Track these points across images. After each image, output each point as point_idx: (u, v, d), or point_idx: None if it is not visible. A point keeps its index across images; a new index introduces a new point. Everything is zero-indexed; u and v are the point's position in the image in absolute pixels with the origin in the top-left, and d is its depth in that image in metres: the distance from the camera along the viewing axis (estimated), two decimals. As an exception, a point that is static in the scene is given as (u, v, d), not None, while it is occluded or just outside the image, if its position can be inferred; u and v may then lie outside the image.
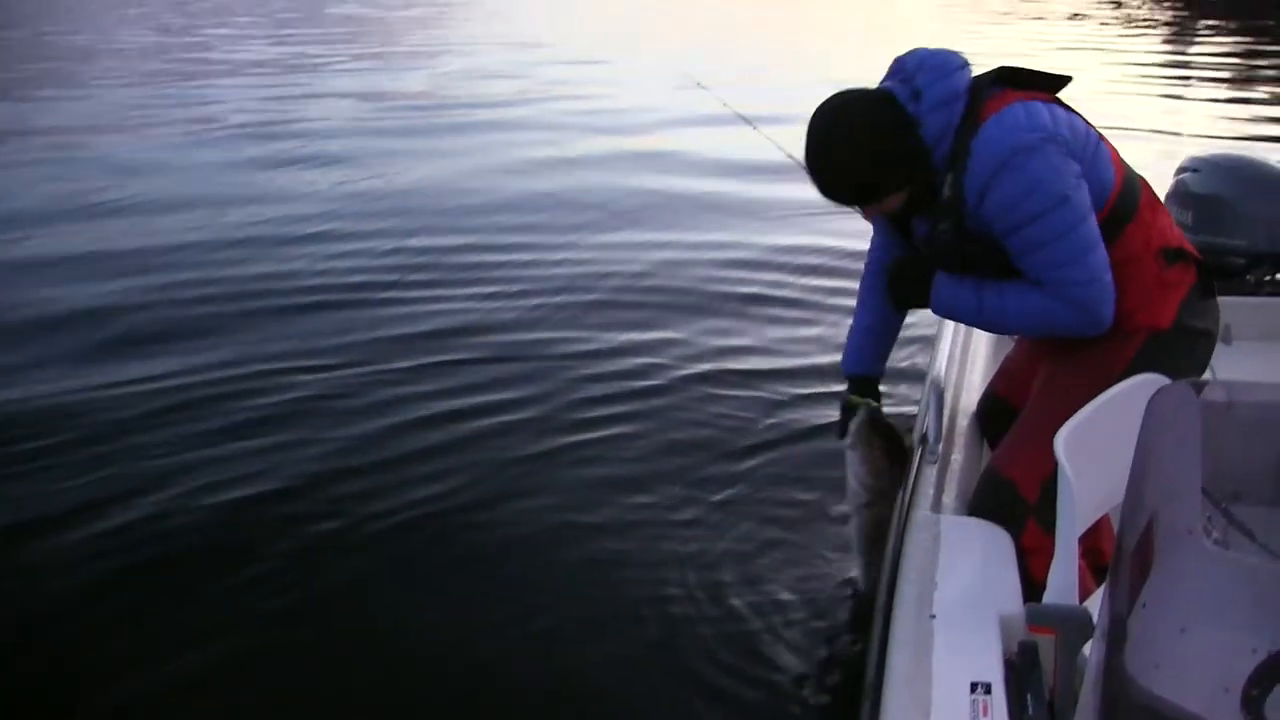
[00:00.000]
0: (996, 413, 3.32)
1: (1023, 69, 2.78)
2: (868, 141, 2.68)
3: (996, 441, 3.22)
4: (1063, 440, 2.20)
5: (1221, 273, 4.90)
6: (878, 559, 3.04)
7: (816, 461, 4.89)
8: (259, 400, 5.69)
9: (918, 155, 2.70)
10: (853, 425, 3.16)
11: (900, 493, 3.03)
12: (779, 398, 5.63)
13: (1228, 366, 4.17)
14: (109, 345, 6.39)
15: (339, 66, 18.42)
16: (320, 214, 9.21)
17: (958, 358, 3.79)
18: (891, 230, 3.10)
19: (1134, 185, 2.90)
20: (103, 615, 3.96)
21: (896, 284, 3.02)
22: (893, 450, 3.16)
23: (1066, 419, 2.34)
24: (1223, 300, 4.37)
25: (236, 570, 4.21)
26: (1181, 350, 2.92)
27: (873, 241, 3.29)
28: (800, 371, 5.96)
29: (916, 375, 5.25)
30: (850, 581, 3.89)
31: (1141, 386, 2.39)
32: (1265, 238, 4.85)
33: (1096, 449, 2.26)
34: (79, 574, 4.17)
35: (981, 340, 4.07)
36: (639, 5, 37.49)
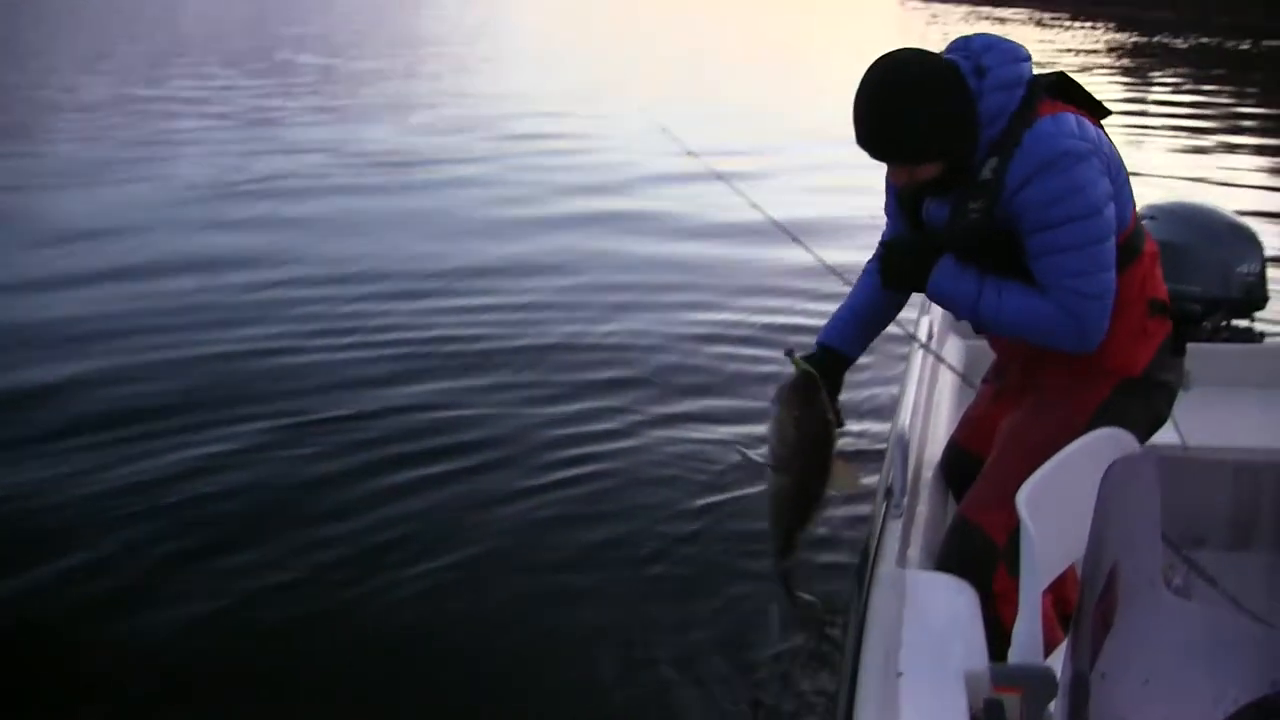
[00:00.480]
0: (960, 463, 3.32)
1: (1078, 84, 2.84)
2: (927, 97, 2.67)
3: (961, 492, 3.22)
4: (1025, 497, 2.21)
5: (1180, 319, 4.97)
6: (781, 530, 3.00)
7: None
8: (200, 451, 5.65)
9: (970, 127, 2.70)
10: (780, 385, 2.96)
11: (868, 544, 3.03)
12: (742, 447, 5.65)
13: (1186, 412, 4.20)
14: (44, 422, 6.12)
15: (301, 120, 18.02)
16: (279, 278, 8.86)
17: (922, 408, 3.81)
18: (901, 216, 3.09)
19: (1141, 230, 2.97)
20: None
21: (894, 258, 2.96)
22: (806, 422, 2.88)
23: (1034, 462, 2.36)
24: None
25: (173, 621, 4.21)
26: (1146, 400, 2.98)
27: (884, 235, 3.25)
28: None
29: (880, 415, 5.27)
30: (819, 637, 3.88)
31: (1102, 441, 2.41)
32: (1220, 284, 4.93)
33: (1059, 504, 2.27)
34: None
35: (945, 390, 4.09)
36: (601, 48, 37.44)
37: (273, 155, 14.58)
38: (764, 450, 3.02)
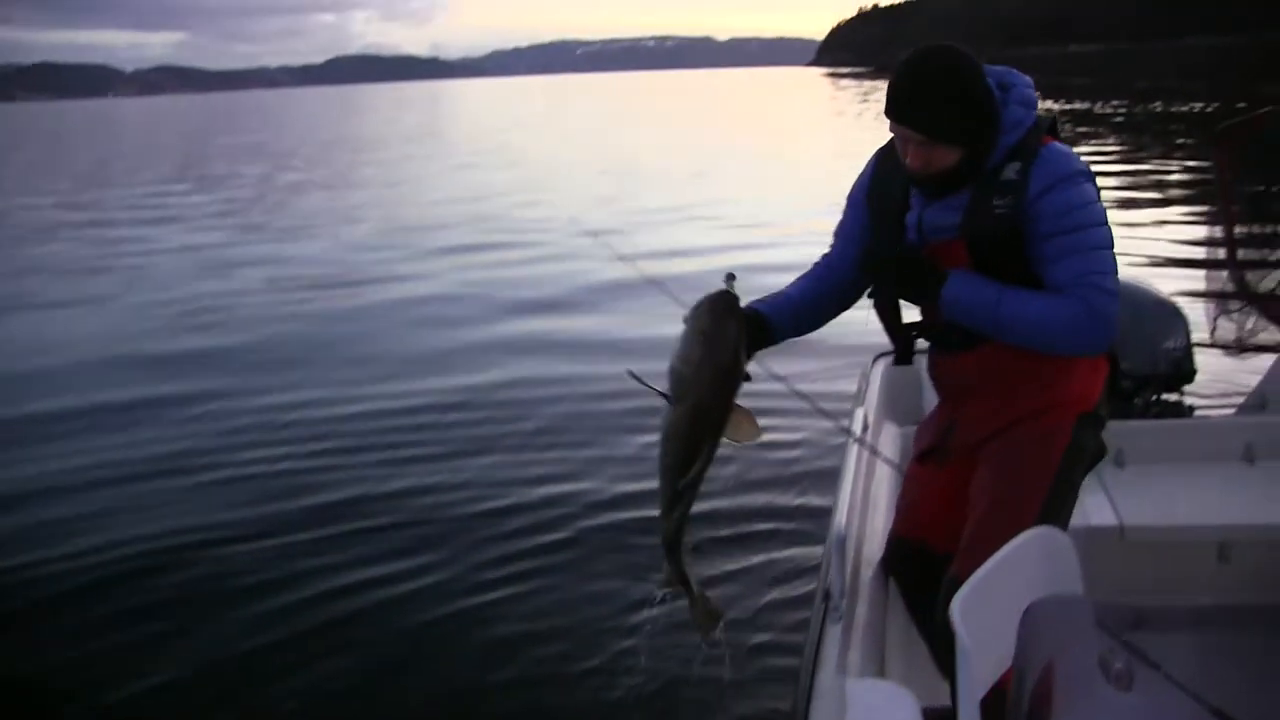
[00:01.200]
0: (906, 556, 3.27)
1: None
2: (964, 79, 2.79)
3: (911, 586, 3.20)
4: (958, 605, 2.20)
5: (1111, 394, 5.02)
6: (670, 476, 2.73)
7: (727, 604, 4.85)
8: (150, 582, 5.58)
9: (992, 126, 2.82)
10: (698, 301, 2.70)
11: (806, 651, 2.97)
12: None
13: (1121, 490, 4.23)
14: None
15: (236, 239, 17.77)
16: (207, 409, 8.68)
17: (858, 505, 3.78)
18: (875, 217, 3.08)
19: None
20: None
21: (905, 266, 2.93)
22: (715, 343, 2.64)
23: (1021, 506, 2.55)
24: (1115, 425, 4.47)
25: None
26: (1096, 433, 3.06)
27: (836, 235, 3.22)
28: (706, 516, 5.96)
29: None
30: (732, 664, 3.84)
31: (1033, 541, 2.41)
32: (1149, 361, 4.99)
33: (994, 609, 2.25)
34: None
35: (883, 483, 4.07)
36: (532, 150, 37.70)
37: (207, 278, 14.44)
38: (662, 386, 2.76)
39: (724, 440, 2.72)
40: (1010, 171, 2.80)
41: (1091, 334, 2.77)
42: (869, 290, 3.14)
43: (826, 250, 3.23)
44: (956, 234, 2.88)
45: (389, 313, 11.81)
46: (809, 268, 3.22)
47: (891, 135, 3.00)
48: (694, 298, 2.66)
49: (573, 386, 8.55)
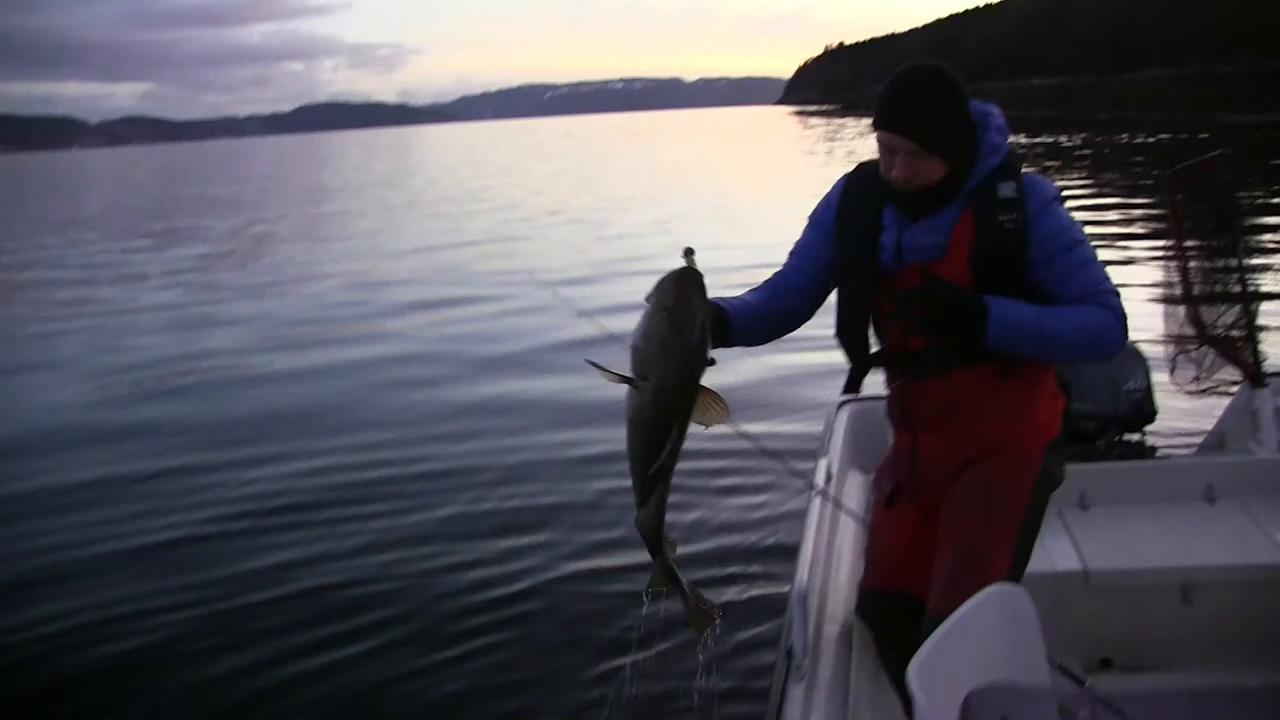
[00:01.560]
0: (887, 609, 3.22)
1: None
2: (953, 93, 2.87)
3: (890, 636, 3.16)
4: (915, 669, 2.19)
5: (1074, 437, 5.05)
6: (641, 465, 2.62)
7: (689, 661, 4.82)
8: (111, 648, 5.52)
9: (973, 144, 2.90)
10: (660, 277, 2.60)
11: (769, 713, 2.95)
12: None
13: (1085, 534, 4.25)
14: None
15: (203, 297, 17.53)
16: (177, 466, 8.68)
17: (821, 560, 3.78)
18: (844, 239, 3.05)
19: None
20: None
21: (940, 297, 2.79)
22: (680, 318, 2.53)
23: (997, 545, 2.63)
24: (1078, 467, 4.50)
25: None
26: (1059, 462, 3.10)
27: (792, 253, 3.19)
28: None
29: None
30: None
31: (991, 600, 2.41)
32: (1110, 402, 5.03)
33: (955, 669, 2.25)
34: None
35: (848, 536, 4.07)
36: (495, 202, 37.43)
37: (169, 342, 14.14)
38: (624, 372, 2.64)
39: (694, 422, 2.61)
40: (1006, 189, 2.87)
41: (1121, 334, 2.86)
42: (839, 314, 3.08)
43: (780, 268, 3.20)
44: (943, 254, 2.88)
45: (353, 374, 11.62)
46: (761, 283, 3.17)
47: (857, 166, 3.08)
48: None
49: (534, 453, 8.41)
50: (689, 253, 2.59)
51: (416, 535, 6.82)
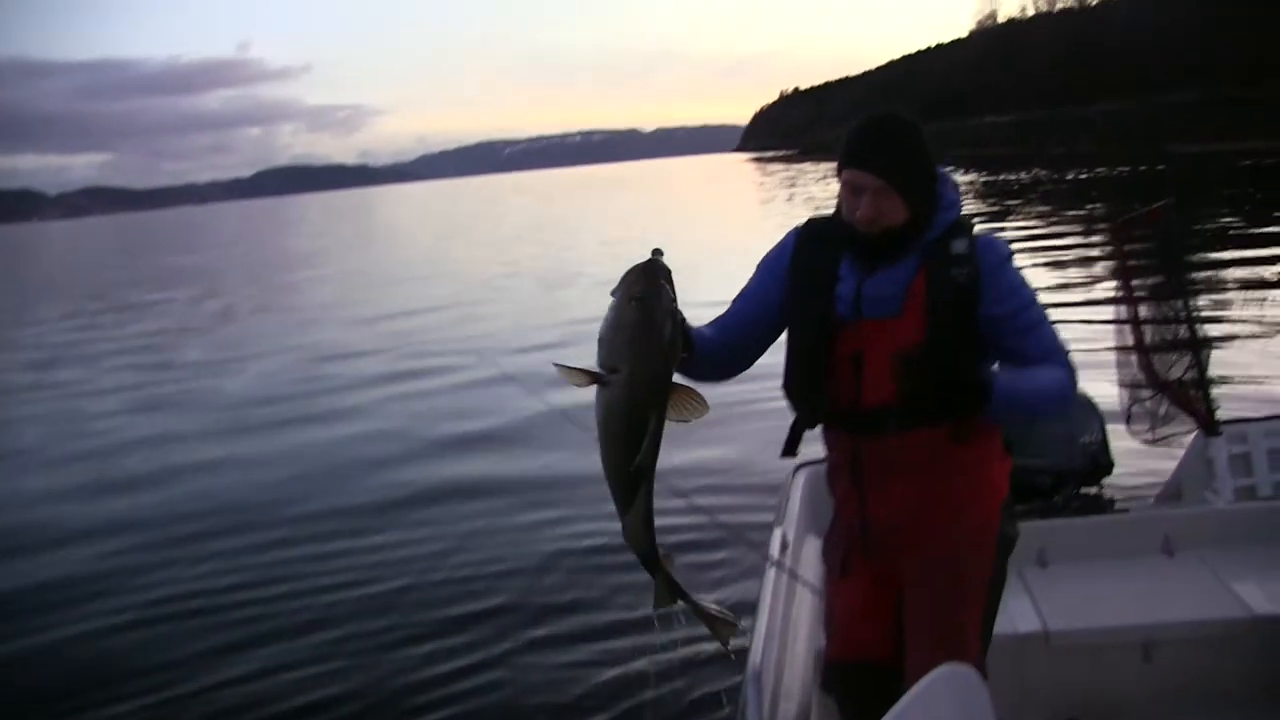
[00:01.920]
0: (854, 681, 3.13)
1: None
2: (919, 136, 2.91)
3: (865, 709, 3.03)
4: None
5: (1032, 493, 5.05)
6: (618, 465, 2.48)
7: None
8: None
9: (934, 193, 2.92)
10: (629, 269, 2.53)
11: None
12: (618, 651, 5.57)
13: (1045, 593, 4.23)
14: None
15: (153, 376, 17.20)
16: (124, 547, 8.58)
17: (778, 632, 3.74)
18: (799, 290, 3.01)
19: None
20: None
21: (942, 379, 2.79)
22: (650, 306, 2.45)
23: (969, 621, 2.70)
24: (1036, 524, 4.50)
25: None
26: (1012, 520, 3.09)
27: (737, 299, 3.12)
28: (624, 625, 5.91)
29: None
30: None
31: (942, 681, 2.37)
32: (1066, 456, 5.04)
33: None
34: None
35: (804, 608, 4.03)
36: (459, 256, 37.37)
37: (125, 427, 13.71)
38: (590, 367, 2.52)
39: (672, 419, 2.50)
40: (959, 246, 2.87)
41: (1071, 394, 2.91)
42: (790, 366, 3.01)
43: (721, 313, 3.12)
44: (900, 310, 2.86)
45: (309, 457, 11.22)
46: (707, 322, 3.07)
47: (808, 220, 3.07)
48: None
49: (497, 534, 8.16)
50: (657, 252, 2.52)
51: (380, 628, 6.65)
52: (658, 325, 2.43)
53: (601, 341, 2.47)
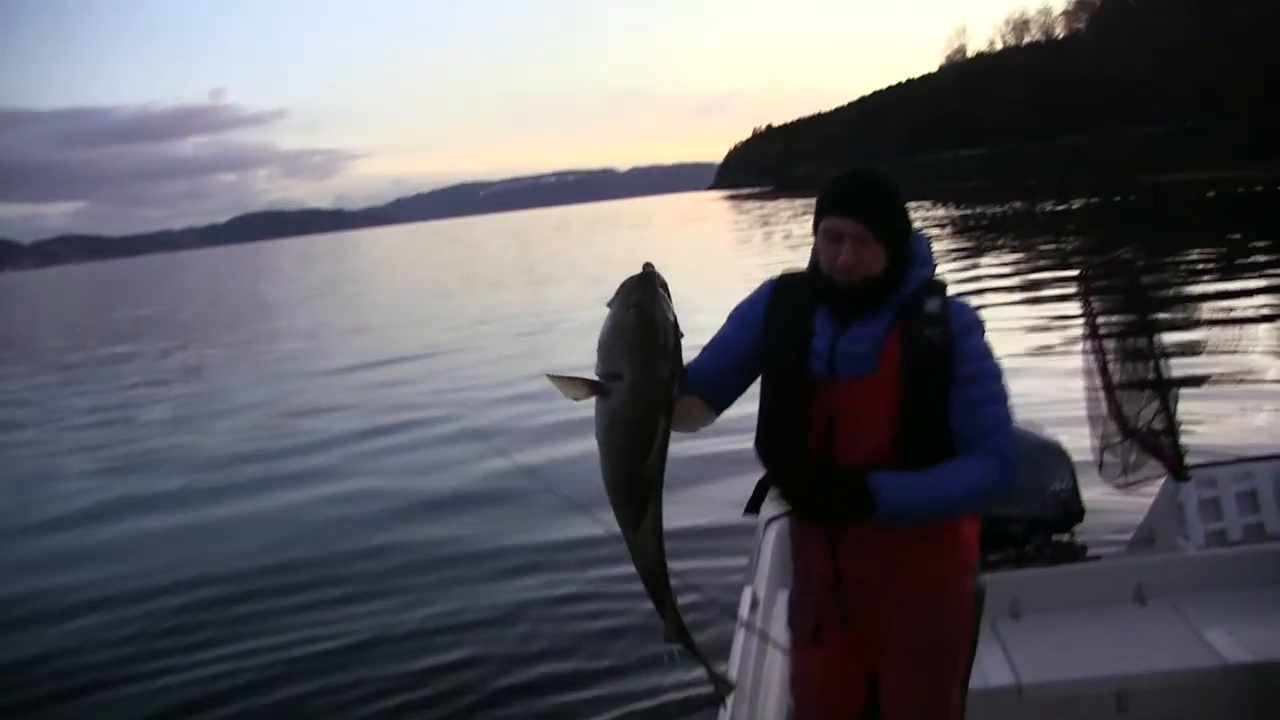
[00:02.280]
0: None
1: None
2: (895, 188, 2.90)
3: None
4: None
5: (1004, 541, 5.04)
6: (621, 478, 2.45)
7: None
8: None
9: (907, 242, 2.91)
10: (625, 280, 2.49)
11: None
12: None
13: (1018, 645, 4.21)
14: None
15: (125, 434, 16.70)
16: (90, 617, 8.34)
17: (748, 694, 3.69)
18: (774, 343, 2.98)
19: None
20: None
21: (819, 488, 2.80)
22: (649, 313, 2.41)
23: (950, 692, 2.76)
24: (1007, 575, 4.48)
25: None
26: (981, 569, 3.07)
27: (707, 348, 3.09)
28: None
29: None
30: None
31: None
32: (1037, 504, 5.03)
33: None
34: None
35: (776, 664, 3.99)
36: (433, 304, 37.07)
37: (89, 490, 13.28)
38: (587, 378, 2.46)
39: (677, 429, 2.46)
40: (933, 305, 2.86)
41: (1008, 481, 2.83)
42: (764, 423, 2.99)
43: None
44: (874, 367, 2.84)
45: (277, 525, 10.80)
46: None
47: (781, 275, 3.06)
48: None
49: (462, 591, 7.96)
50: (649, 267, 2.49)
51: (347, 682, 6.58)
52: (659, 328, 2.40)
53: (601, 349, 2.43)
